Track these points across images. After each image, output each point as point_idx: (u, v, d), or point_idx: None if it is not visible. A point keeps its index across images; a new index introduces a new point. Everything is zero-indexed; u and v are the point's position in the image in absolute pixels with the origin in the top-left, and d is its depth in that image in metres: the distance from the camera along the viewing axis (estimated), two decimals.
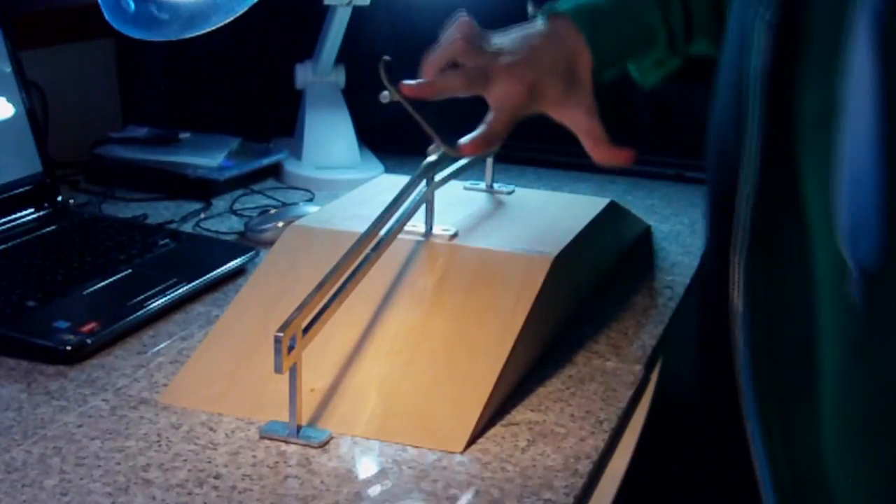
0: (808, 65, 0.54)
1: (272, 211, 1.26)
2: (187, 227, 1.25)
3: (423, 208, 0.93)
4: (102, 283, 1.01)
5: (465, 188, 1.09)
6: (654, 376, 0.92)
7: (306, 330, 0.75)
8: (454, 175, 1.00)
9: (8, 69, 1.21)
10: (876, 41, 0.48)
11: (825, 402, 0.56)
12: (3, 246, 1.10)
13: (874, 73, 0.48)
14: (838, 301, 0.52)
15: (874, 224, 0.49)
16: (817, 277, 0.55)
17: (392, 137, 1.61)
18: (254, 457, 0.74)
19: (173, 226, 1.25)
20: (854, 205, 0.49)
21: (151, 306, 0.97)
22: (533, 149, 1.56)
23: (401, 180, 0.95)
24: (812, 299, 0.55)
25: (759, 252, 0.59)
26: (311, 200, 1.37)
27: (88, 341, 0.89)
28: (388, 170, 1.44)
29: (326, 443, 0.76)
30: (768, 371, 0.61)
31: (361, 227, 0.85)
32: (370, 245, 0.84)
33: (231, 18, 1.01)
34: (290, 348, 0.73)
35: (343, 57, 1.46)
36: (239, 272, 1.09)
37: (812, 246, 0.55)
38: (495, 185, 1.09)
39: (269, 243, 1.05)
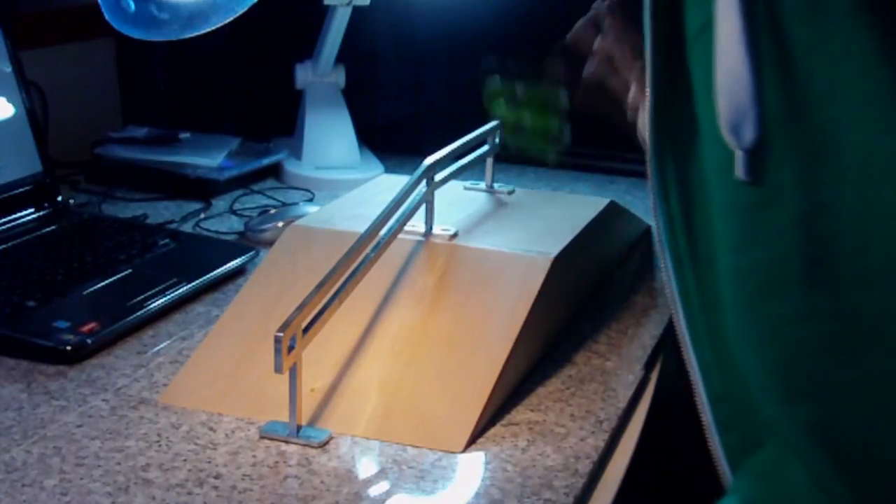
0: None
1: (272, 211, 1.26)
2: (187, 227, 1.25)
3: (423, 208, 0.93)
4: (102, 283, 1.01)
5: (465, 188, 1.09)
6: (654, 376, 0.92)
7: (306, 330, 0.75)
8: (454, 175, 1.00)
9: (8, 69, 1.21)
10: None
11: (723, 278, 0.63)
12: (3, 246, 1.10)
13: None
14: (727, 183, 0.60)
15: (751, 111, 0.58)
16: (709, 166, 0.64)
17: (392, 137, 1.61)
18: (254, 457, 0.74)
19: (173, 226, 1.25)
20: (732, 97, 0.58)
21: (151, 306, 0.97)
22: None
23: (401, 180, 0.95)
24: (707, 185, 0.64)
25: (666, 157, 0.69)
26: (311, 200, 1.37)
27: (88, 341, 0.89)
28: (388, 170, 1.44)
29: (326, 443, 0.76)
30: (686, 253, 0.69)
31: (361, 227, 0.85)
32: (370, 245, 0.84)
33: (231, 18, 1.01)
34: (290, 348, 0.73)
35: (343, 57, 1.46)
36: (239, 272, 1.09)
37: (703, 141, 0.64)
38: (495, 185, 1.09)
39: (269, 243, 1.05)
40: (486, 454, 0.76)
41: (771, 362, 0.61)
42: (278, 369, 0.72)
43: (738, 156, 0.59)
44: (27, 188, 1.20)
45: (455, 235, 0.94)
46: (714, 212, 0.64)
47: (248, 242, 1.18)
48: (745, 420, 0.66)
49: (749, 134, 0.58)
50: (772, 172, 0.58)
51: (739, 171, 0.59)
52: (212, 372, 0.84)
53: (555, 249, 0.91)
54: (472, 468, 0.74)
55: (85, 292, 0.99)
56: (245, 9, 1.01)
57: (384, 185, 1.08)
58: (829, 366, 0.58)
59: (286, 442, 0.76)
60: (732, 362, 0.65)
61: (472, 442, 0.77)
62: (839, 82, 0.56)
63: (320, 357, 0.82)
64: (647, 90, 0.67)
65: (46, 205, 1.21)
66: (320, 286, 0.77)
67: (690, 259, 0.69)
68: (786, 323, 0.59)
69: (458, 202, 1.03)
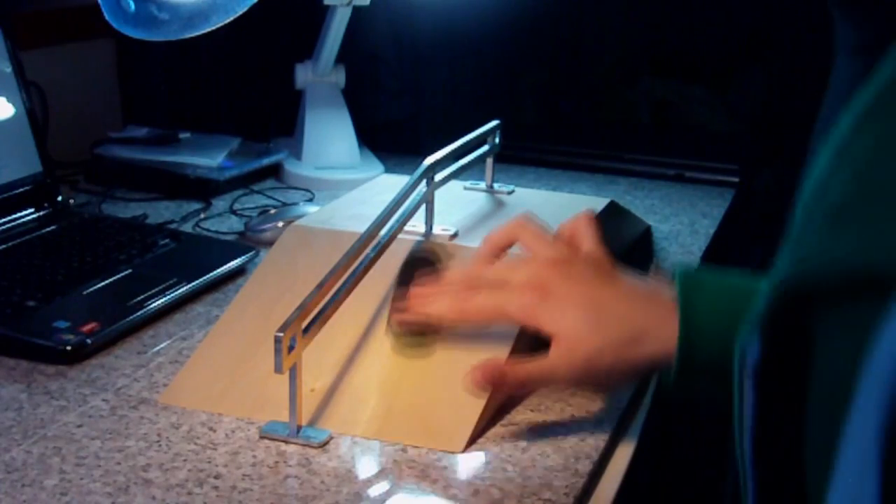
0: (807, 427, 0.44)
1: (272, 211, 1.26)
2: (187, 227, 1.25)
3: (423, 208, 0.93)
4: (102, 283, 1.01)
5: (465, 188, 1.09)
6: (654, 376, 0.92)
7: (306, 330, 0.75)
8: (454, 175, 1.00)
9: (8, 69, 1.21)
10: (884, 437, 0.36)
11: None
12: (3, 246, 1.10)
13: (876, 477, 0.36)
14: None
15: None
16: None
17: (392, 137, 1.61)
18: (254, 457, 0.74)
19: (173, 226, 1.25)
20: None
21: (151, 306, 0.97)
22: (533, 149, 1.56)
23: (401, 180, 0.95)
24: None
25: None
26: (311, 200, 1.37)
27: (88, 341, 0.89)
28: (388, 170, 1.44)
29: (326, 443, 0.76)
30: None
31: (361, 227, 0.85)
32: (370, 245, 0.84)
33: (231, 18, 1.01)
34: (290, 348, 0.73)
35: (343, 57, 1.46)
36: (239, 272, 1.09)
37: None
38: (495, 185, 1.09)
39: (269, 243, 1.05)
40: (486, 454, 0.76)
41: None
42: (278, 369, 0.72)
43: None
44: (27, 188, 1.20)
45: (455, 235, 0.94)
46: None
47: (248, 242, 1.18)
48: None
49: None
50: None
51: None
52: (212, 372, 0.84)
53: None
54: (472, 468, 0.74)
55: (85, 292, 0.99)
56: (245, 9, 1.01)
57: (384, 185, 1.08)
58: None
59: (286, 442, 0.76)
60: None
61: (472, 442, 0.77)
62: None
63: (320, 357, 0.82)
64: None
65: (46, 205, 1.21)
66: (320, 286, 0.77)
67: None
68: None
69: (458, 202, 1.03)
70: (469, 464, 0.75)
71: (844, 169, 0.38)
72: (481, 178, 1.10)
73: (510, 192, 1.09)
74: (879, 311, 0.35)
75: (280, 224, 1.18)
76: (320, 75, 1.47)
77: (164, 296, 0.99)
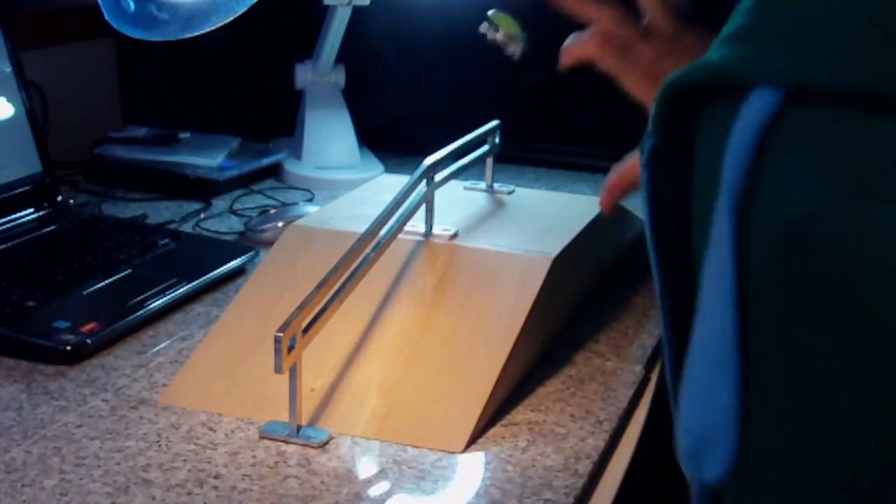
0: (694, 218, 0.48)
1: (272, 211, 1.26)
2: (187, 227, 1.25)
3: (423, 208, 0.93)
4: (102, 283, 1.01)
5: (465, 188, 1.09)
6: (654, 376, 0.92)
7: (306, 330, 0.75)
8: (454, 175, 1.00)
9: (8, 69, 1.21)
10: (733, 229, 0.41)
11: None
12: (3, 246, 1.10)
13: (731, 263, 0.41)
14: None
15: (728, 428, 0.40)
16: None
17: (392, 137, 1.61)
18: (254, 457, 0.74)
19: (173, 226, 1.25)
20: (703, 407, 0.42)
21: (151, 306, 0.97)
22: (533, 149, 1.56)
23: (401, 180, 0.95)
24: None
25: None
26: (311, 200, 1.37)
27: (88, 341, 0.89)
28: (388, 170, 1.44)
29: (326, 443, 0.76)
30: None
31: (361, 227, 0.85)
32: (370, 245, 0.84)
33: (231, 18, 1.01)
34: (290, 348, 0.73)
35: (343, 57, 1.46)
36: (239, 272, 1.09)
37: None
38: (495, 185, 1.09)
39: (269, 243, 1.05)
40: (486, 454, 0.76)
41: None
42: (278, 369, 0.72)
43: (694, 490, 0.43)
44: (27, 188, 1.20)
45: (455, 235, 0.94)
46: None
47: (248, 242, 1.18)
48: None
49: (717, 459, 0.40)
50: None
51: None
52: (212, 372, 0.84)
53: (555, 249, 0.91)
54: (472, 468, 0.74)
55: (85, 292, 0.99)
56: (245, 9, 1.01)
57: (384, 185, 1.08)
58: None
59: (286, 442, 0.76)
60: None
61: (472, 442, 0.77)
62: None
63: (320, 357, 0.82)
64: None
65: (46, 205, 1.21)
66: (320, 286, 0.77)
67: None
68: None
69: (458, 202, 1.03)
70: (469, 464, 0.75)
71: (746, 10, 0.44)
72: (481, 178, 1.10)
73: (510, 192, 1.09)
74: (735, 111, 0.41)
75: (280, 224, 1.18)
76: (320, 75, 1.47)
77: (164, 296, 0.99)
